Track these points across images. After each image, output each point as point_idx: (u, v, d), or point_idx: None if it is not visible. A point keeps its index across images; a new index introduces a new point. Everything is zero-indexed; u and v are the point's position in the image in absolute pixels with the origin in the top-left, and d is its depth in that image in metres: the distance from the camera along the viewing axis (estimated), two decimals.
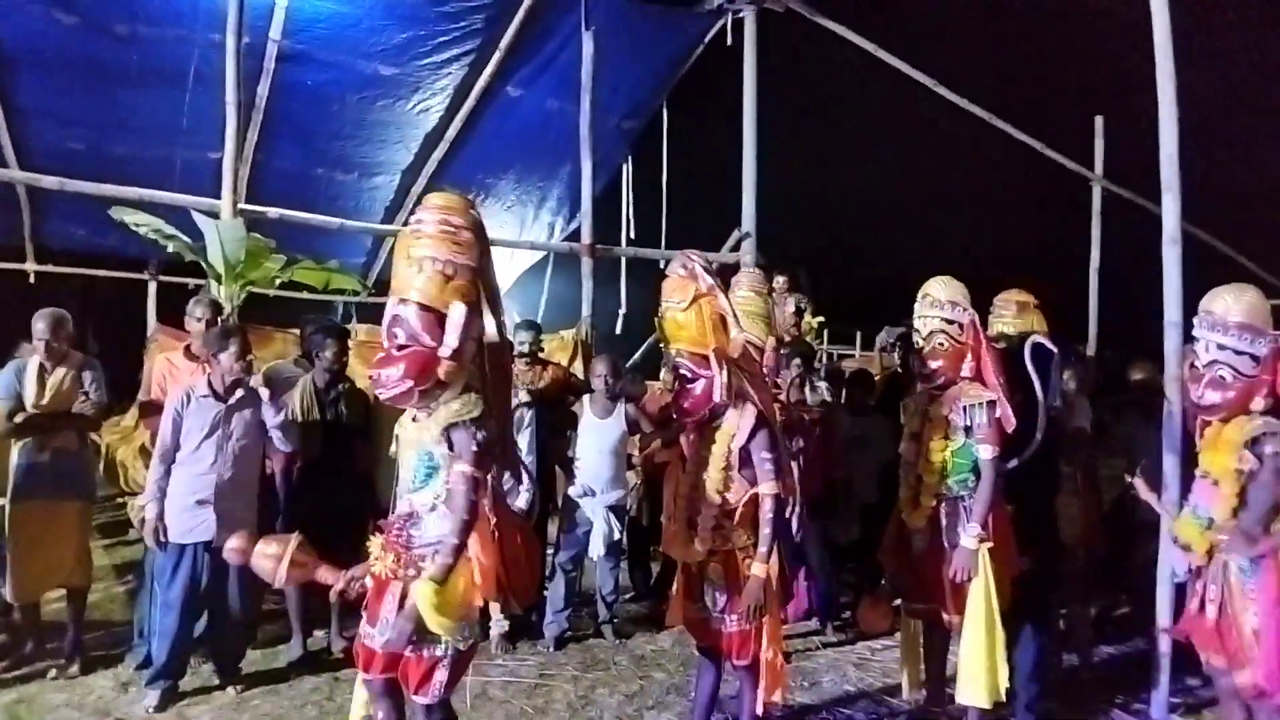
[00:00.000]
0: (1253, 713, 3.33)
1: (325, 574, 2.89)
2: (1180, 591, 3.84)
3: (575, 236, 8.04)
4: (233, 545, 2.96)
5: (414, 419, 2.84)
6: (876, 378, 6.58)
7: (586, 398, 5.44)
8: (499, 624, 5.17)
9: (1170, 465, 4.14)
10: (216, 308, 4.89)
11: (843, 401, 6.23)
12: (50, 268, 9.21)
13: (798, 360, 5.40)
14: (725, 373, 3.39)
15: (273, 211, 6.09)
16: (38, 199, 8.43)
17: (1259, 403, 3.23)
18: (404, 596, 2.75)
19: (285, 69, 7.66)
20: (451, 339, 2.68)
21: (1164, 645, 4.26)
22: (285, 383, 4.86)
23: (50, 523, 4.51)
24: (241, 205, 5.84)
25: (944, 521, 3.79)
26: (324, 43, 7.57)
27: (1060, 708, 4.35)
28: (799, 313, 7.31)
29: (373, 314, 10.39)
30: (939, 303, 3.80)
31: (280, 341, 5.93)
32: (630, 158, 9.75)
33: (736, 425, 3.42)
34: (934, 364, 3.80)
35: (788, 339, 6.36)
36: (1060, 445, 4.49)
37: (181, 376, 4.64)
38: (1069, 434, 4.63)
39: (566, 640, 5.23)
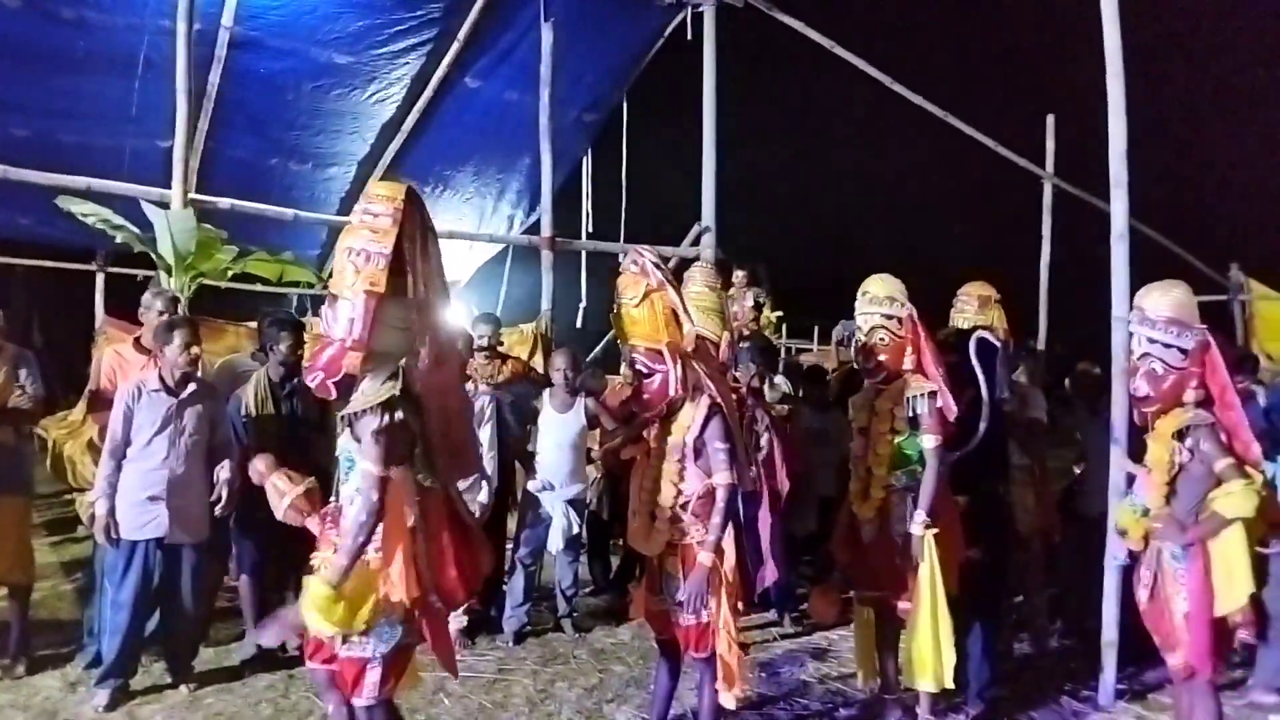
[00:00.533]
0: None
1: (314, 527, 2.96)
2: (1128, 578, 3.96)
3: (535, 229, 8.00)
4: (259, 467, 3.04)
5: None
6: (832, 371, 6.66)
7: (546, 392, 5.43)
8: (457, 619, 5.14)
9: (1116, 456, 4.27)
10: (174, 301, 4.81)
11: (800, 396, 6.29)
12: None
13: (756, 355, 5.44)
14: (679, 367, 3.42)
15: (224, 202, 5.96)
16: None
17: (1191, 394, 3.35)
18: None
19: (237, 56, 7.50)
20: (354, 330, 2.69)
21: (1109, 633, 4.39)
22: (240, 377, 4.79)
23: None
24: (192, 195, 5.70)
25: (893, 512, 3.89)
26: (277, 30, 7.43)
27: (1012, 695, 4.45)
28: (758, 307, 7.35)
29: None
30: (878, 299, 3.93)
31: (233, 335, 5.83)
32: (590, 151, 9.73)
33: (691, 417, 3.45)
34: (876, 358, 3.92)
35: (747, 333, 6.41)
36: (1015, 437, 4.61)
37: (131, 370, 4.54)
38: (1024, 425, 4.75)
39: (526, 635, 5.23)
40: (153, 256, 5.59)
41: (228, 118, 7.91)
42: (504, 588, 5.40)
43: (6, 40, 6.94)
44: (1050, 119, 9.55)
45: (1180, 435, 3.33)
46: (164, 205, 5.50)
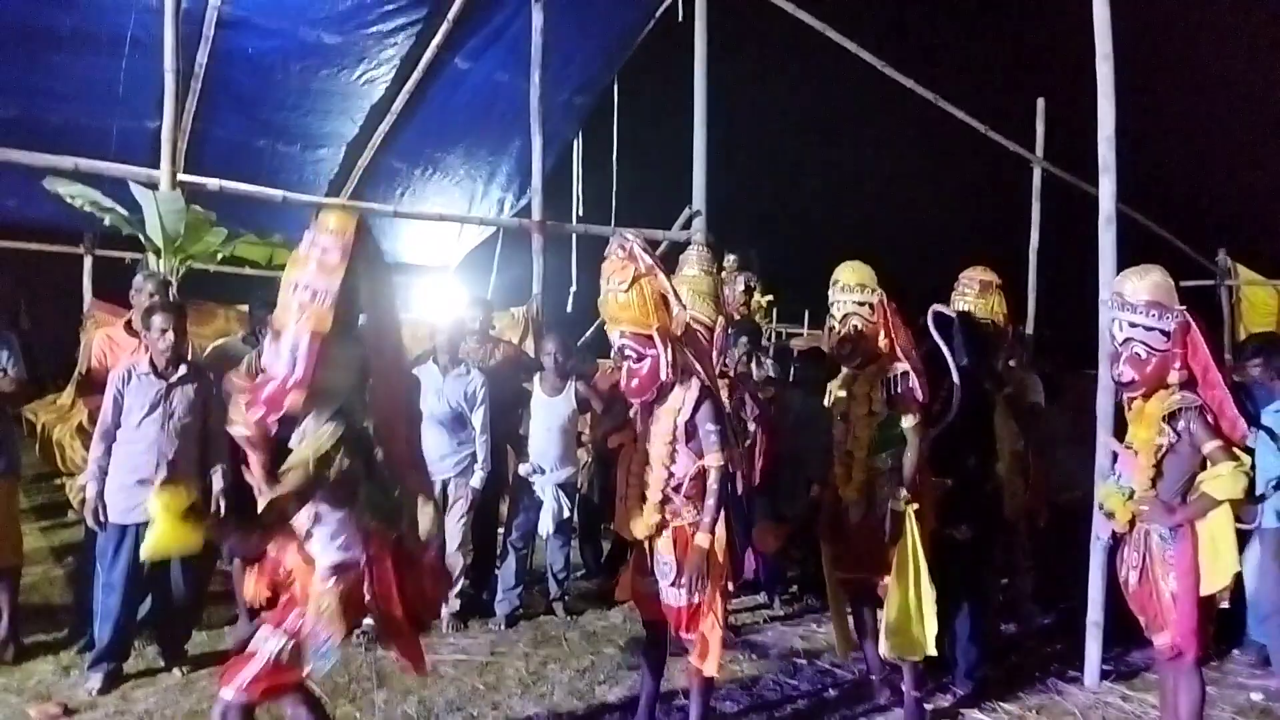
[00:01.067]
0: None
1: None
2: (1111, 560, 4.01)
3: (525, 212, 7.97)
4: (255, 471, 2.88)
5: None
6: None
7: (537, 376, 5.44)
8: (450, 603, 5.18)
9: (1102, 438, 4.31)
10: (164, 284, 4.78)
11: (790, 379, 6.32)
12: None
13: (745, 338, 5.46)
14: (670, 351, 3.44)
15: (212, 183, 5.92)
16: None
17: (1174, 375, 3.37)
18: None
19: (225, 35, 7.42)
20: (297, 369, 2.63)
21: (1094, 613, 4.44)
22: (231, 360, 4.77)
23: None
24: (181, 176, 5.67)
25: (878, 493, 3.95)
26: (265, 8, 7.36)
27: (998, 675, 4.51)
28: (748, 291, 7.38)
29: None
30: (849, 286, 4.01)
31: (223, 318, 5.80)
32: (580, 134, 9.70)
33: (682, 400, 3.47)
34: (851, 344, 3.99)
35: (737, 317, 6.42)
36: (1017, 421, 4.66)
37: (122, 353, 4.52)
38: (1022, 410, 4.79)
39: (518, 618, 5.26)
40: (141, 239, 5.56)
41: (216, 98, 7.83)
42: (496, 571, 5.42)
43: None
44: (1040, 103, 9.56)
45: (1170, 418, 3.35)
46: (152, 186, 5.46)
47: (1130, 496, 3.48)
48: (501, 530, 5.57)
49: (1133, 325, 3.42)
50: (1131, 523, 3.49)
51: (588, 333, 8.54)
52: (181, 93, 6.08)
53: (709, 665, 3.48)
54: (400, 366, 3.04)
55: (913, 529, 3.81)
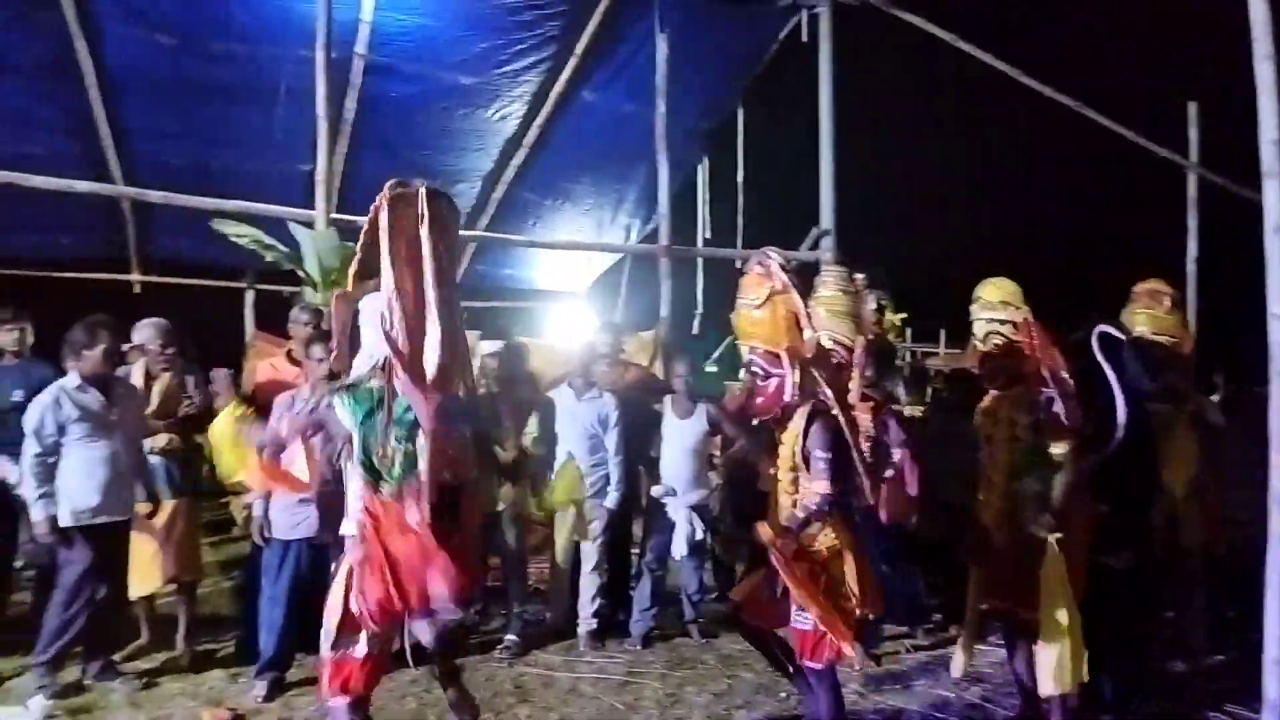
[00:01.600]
0: None
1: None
2: None
3: (652, 237, 8.10)
4: None
5: None
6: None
7: (668, 398, 5.48)
8: (587, 622, 5.27)
9: (1276, 460, 4.00)
10: (320, 315, 5.10)
11: (929, 400, 6.15)
12: (154, 278, 9.66)
13: (873, 360, 5.33)
14: (797, 372, 3.41)
15: (363, 220, 6.27)
16: (142, 213, 8.85)
17: None
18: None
19: (371, 82, 7.90)
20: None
21: (1273, 650, 4.10)
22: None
23: (162, 519, 4.77)
24: (333, 215, 6.05)
25: (1020, 519, 3.77)
26: (408, 55, 7.79)
27: (1164, 713, 4.23)
28: (880, 310, 7.23)
29: None
30: (991, 304, 3.87)
31: None
32: (706, 157, 9.78)
33: (799, 426, 3.43)
34: (992, 365, 3.85)
35: (870, 337, 6.30)
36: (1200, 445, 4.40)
37: (285, 380, 4.84)
38: (1201, 433, 4.51)
39: (653, 639, 5.28)
40: (299, 273, 5.94)
41: (363, 140, 8.33)
42: (631, 592, 5.48)
43: (163, 76, 7.53)
44: (1192, 106, 9.02)
45: None
46: (309, 225, 5.85)
47: None
48: (636, 551, 5.63)
49: None
50: None
51: (715, 354, 8.57)
52: (332, 137, 6.50)
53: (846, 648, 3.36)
54: (442, 325, 3.17)
55: (1057, 558, 3.64)
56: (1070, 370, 3.81)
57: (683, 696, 4.50)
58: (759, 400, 3.49)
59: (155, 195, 6.27)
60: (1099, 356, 3.97)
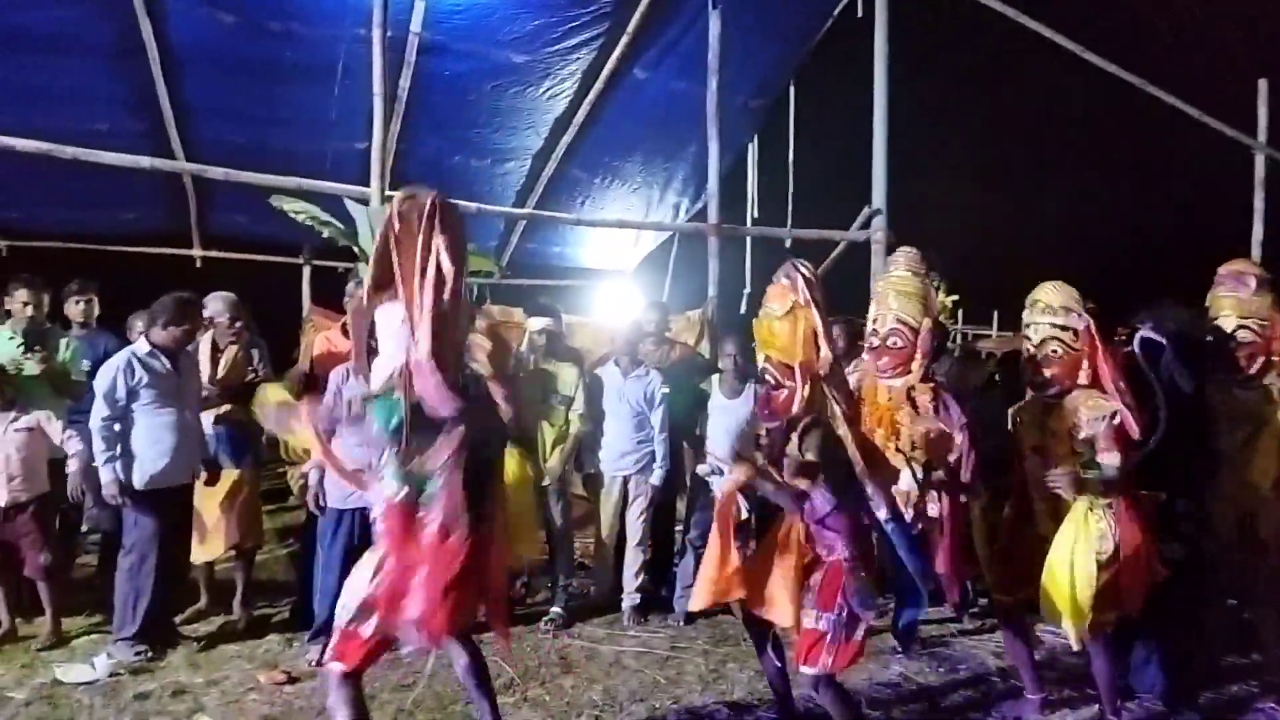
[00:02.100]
0: None
1: None
2: None
3: (700, 216, 8.07)
4: None
5: None
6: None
7: (715, 377, 5.50)
8: (630, 597, 5.34)
9: None
10: None
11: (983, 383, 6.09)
12: (214, 253, 9.90)
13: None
14: (807, 387, 3.45)
15: None
16: (203, 189, 9.06)
17: None
18: None
19: (425, 61, 7.95)
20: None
21: None
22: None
23: (225, 488, 4.93)
24: (388, 192, 6.14)
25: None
26: (461, 33, 7.82)
27: (1221, 701, 4.17)
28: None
29: (505, 295, 10.74)
30: (1050, 308, 3.76)
31: None
32: (757, 136, 9.71)
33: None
34: (1048, 372, 3.73)
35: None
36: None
37: (340, 354, 4.96)
38: None
39: (696, 615, 5.33)
40: (354, 249, 6.05)
41: (416, 119, 8.40)
42: (675, 569, 5.53)
43: (224, 55, 7.66)
44: (1262, 84, 8.70)
45: None
46: (364, 202, 5.95)
47: None
48: (680, 528, 5.68)
49: None
50: None
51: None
52: (387, 115, 6.58)
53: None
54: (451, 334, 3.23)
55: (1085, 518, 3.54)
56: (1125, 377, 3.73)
57: (725, 673, 4.55)
58: (769, 408, 3.55)
59: (216, 172, 6.40)
60: (1141, 362, 3.91)
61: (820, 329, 3.50)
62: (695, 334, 7.14)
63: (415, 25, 7.64)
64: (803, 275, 3.51)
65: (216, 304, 5.08)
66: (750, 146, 9.69)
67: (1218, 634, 4.47)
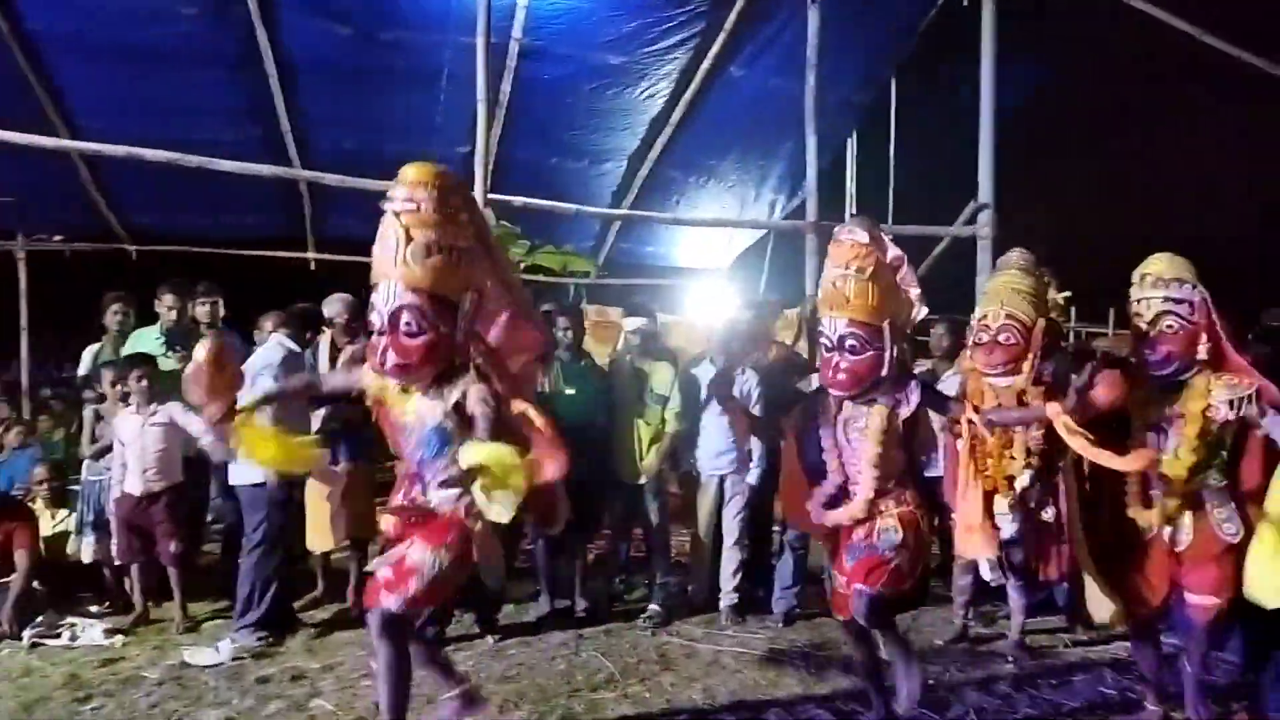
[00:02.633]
0: None
1: None
2: None
3: (796, 213, 7.99)
4: None
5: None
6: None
7: (813, 376, 5.43)
8: (728, 597, 5.34)
9: None
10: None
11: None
12: (327, 256, 10.31)
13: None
14: (896, 349, 3.36)
15: (517, 200, 6.54)
16: (317, 195, 9.45)
17: None
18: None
19: (525, 65, 8.11)
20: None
21: None
22: None
23: (340, 483, 5.15)
24: (490, 195, 6.30)
25: (1210, 517, 3.52)
26: (560, 37, 7.95)
27: None
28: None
29: (602, 295, 10.87)
30: (1164, 281, 3.55)
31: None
32: (856, 132, 9.55)
33: (901, 398, 3.40)
34: (1164, 349, 3.52)
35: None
36: None
37: None
38: None
39: (795, 617, 5.29)
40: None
41: (517, 123, 8.57)
42: (773, 570, 5.50)
43: (337, 64, 7.99)
44: None
45: None
46: None
47: None
48: (777, 529, 5.64)
49: None
50: None
51: None
52: (490, 120, 6.75)
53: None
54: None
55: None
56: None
57: (825, 677, 4.49)
58: (841, 376, 3.38)
59: (331, 178, 6.69)
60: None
61: (911, 286, 3.47)
62: (793, 333, 7.08)
63: (516, 31, 7.80)
64: (874, 230, 3.44)
65: (335, 305, 5.32)
66: (849, 142, 9.55)
67: None
